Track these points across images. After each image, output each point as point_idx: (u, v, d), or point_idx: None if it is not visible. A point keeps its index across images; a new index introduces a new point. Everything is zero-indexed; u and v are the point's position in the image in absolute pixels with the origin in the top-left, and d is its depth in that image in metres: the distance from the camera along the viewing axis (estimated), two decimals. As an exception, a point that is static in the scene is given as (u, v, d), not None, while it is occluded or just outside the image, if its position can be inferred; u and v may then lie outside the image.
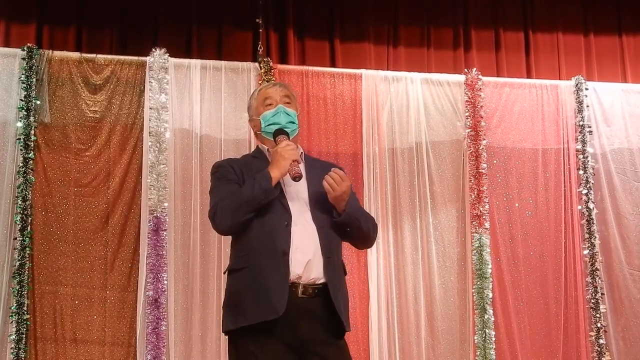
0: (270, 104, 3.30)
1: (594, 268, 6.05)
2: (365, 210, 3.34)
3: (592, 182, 6.18)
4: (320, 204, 3.13)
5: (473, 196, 5.99)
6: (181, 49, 6.06)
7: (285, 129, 3.24)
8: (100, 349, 5.46)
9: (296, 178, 3.09)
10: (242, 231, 3.12)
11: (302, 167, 3.21)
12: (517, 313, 5.99)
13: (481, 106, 6.13)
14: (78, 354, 5.43)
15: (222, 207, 3.11)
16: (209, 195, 3.30)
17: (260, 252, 3.05)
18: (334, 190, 3.07)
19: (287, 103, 3.31)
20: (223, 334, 3.17)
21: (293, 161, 3.08)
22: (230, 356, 3.12)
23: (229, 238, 5.43)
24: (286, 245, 3.03)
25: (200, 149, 5.75)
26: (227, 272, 3.19)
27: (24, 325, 5.28)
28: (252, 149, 5.73)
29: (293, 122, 3.29)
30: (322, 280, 3.05)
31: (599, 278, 6.05)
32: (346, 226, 3.15)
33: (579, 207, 6.17)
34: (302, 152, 3.33)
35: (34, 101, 5.53)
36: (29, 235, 5.39)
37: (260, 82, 5.77)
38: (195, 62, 5.88)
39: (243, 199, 3.06)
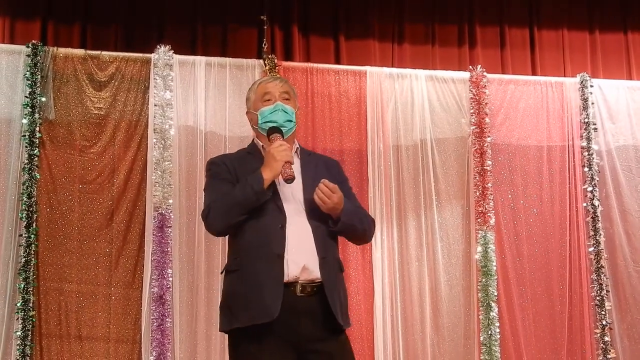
0: (268, 100, 3.25)
1: (599, 265, 6.05)
2: (361, 209, 3.29)
3: (597, 179, 6.17)
4: (315, 203, 3.07)
5: (478, 193, 5.99)
6: (186, 46, 6.05)
7: (282, 128, 3.19)
8: (105, 345, 5.47)
9: (288, 180, 3.04)
10: (237, 232, 3.10)
11: (297, 164, 3.18)
12: (521, 310, 5.99)
13: (486, 103, 6.12)
14: (83, 350, 5.44)
15: (214, 208, 3.09)
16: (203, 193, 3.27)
17: (254, 255, 3.04)
18: (325, 204, 3.04)
19: (286, 99, 3.26)
20: (221, 333, 3.17)
21: (286, 163, 3.03)
22: (230, 355, 3.12)
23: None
24: (281, 247, 3.01)
25: (205, 146, 5.75)
26: (223, 273, 3.19)
27: (30, 322, 5.29)
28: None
29: (290, 121, 3.22)
30: (319, 280, 3.04)
31: (604, 275, 6.05)
32: (342, 233, 3.17)
33: (584, 205, 6.16)
34: (297, 148, 3.30)
35: (38, 98, 5.54)
36: (34, 232, 5.39)
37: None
38: (200, 59, 5.88)
39: (235, 201, 3.04)
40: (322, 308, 3.02)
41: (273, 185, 3.07)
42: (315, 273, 3.03)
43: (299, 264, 3.01)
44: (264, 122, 3.22)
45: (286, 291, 2.98)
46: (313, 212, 3.08)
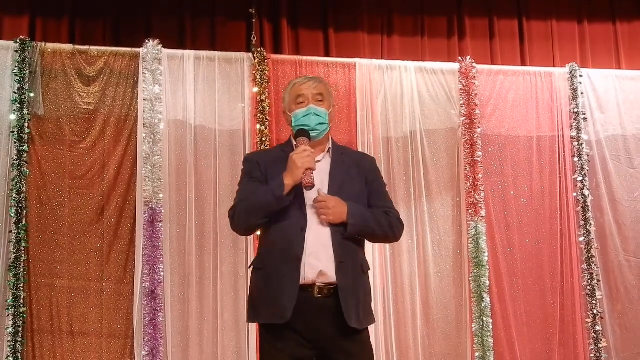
0: (301, 102, 3.32)
1: (589, 255, 6.06)
2: (382, 212, 3.29)
3: (587, 169, 6.18)
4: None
5: (468, 184, 5.99)
6: (175, 40, 6.04)
7: (314, 131, 3.26)
8: (97, 341, 5.46)
9: (307, 188, 3.11)
10: (264, 232, 3.23)
11: (326, 167, 3.26)
12: (513, 300, 6.00)
13: (475, 94, 6.12)
14: (75, 346, 5.43)
15: (239, 209, 3.21)
16: None
17: (275, 256, 3.15)
18: (327, 216, 3.14)
19: (319, 101, 3.32)
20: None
21: (306, 170, 3.09)
22: (259, 345, 3.33)
23: (225, 228, 5.49)
24: (300, 250, 3.11)
25: (194, 140, 5.74)
26: (251, 267, 3.33)
27: (21, 318, 5.28)
28: (247, 139, 5.75)
29: (323, 123, 3.29)
30: (336, 283, 3.13)
31: (595, 265, 6.06)
32: (358, 236, 3.22)
33: (574, 194, 6.17)
34: (330, 148, 3.35)
35: (27, 94, 5.52)
36: (24, 228, 5.38)
37: (254, 72, 5.79)
38: (189, 53, 5.86)
39: (256, 205, 3.15)
40: (338, 309, 3.12)
41: (299, 189, 3.14)
42: (332, 277, 3.12)
43: (315, 268, 3.12)
44: (297, 125, 3.30)
45: (304, 293, 3.10)
46: None
